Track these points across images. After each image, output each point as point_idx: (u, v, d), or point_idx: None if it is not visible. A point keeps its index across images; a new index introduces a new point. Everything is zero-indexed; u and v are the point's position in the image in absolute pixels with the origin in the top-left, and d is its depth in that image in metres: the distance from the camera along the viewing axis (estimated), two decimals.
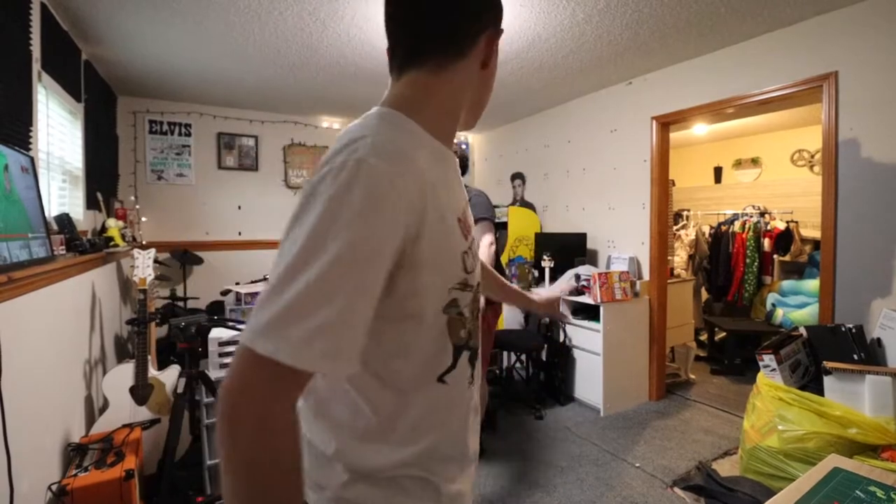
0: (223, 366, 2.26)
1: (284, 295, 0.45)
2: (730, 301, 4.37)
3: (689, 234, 4.50)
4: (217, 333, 2.27)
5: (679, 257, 4.36)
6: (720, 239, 4.40)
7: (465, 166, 2.07)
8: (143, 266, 2.30)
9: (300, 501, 0.49)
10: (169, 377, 2.32)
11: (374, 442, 0.60)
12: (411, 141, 0.59)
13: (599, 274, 3.04)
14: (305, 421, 0.63)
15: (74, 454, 1.79)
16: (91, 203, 2.79)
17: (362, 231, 0.48)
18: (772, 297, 4.06)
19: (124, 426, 1.97)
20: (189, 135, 3.95)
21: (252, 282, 3.28)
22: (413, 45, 0.62)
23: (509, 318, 4.00)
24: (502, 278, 1.16)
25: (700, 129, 4.72)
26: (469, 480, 0.71)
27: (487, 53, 0.64)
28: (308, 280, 0.45)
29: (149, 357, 2.22)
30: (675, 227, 4.53)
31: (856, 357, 2.02)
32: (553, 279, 3.59)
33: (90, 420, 2.20)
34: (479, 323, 0.69)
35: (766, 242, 4.23)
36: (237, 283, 3.24)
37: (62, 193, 2.44)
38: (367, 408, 0.59)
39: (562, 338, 3.34)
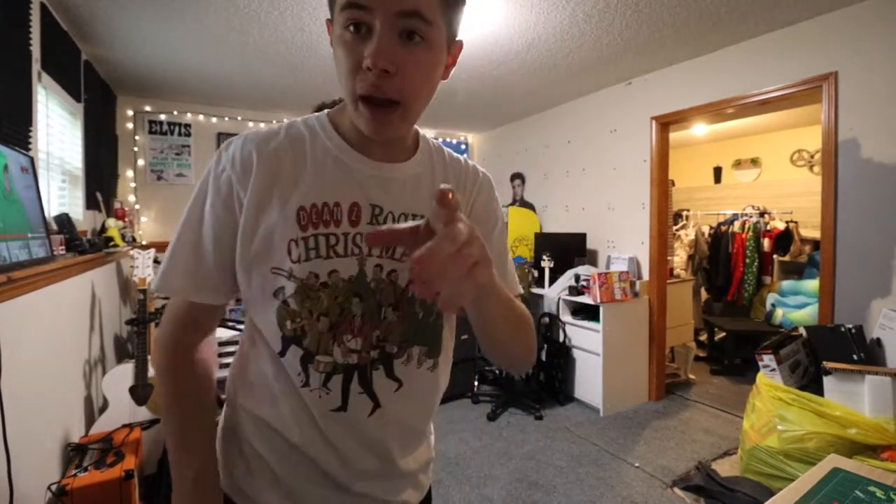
0: (223, 366, 2.26)
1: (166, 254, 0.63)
2: (729, 301, 4.37)
3: (688, 235, 4.50)
4: (216, 334, 2.27)
5: (679, 257, 4.36)
6: (720, 239, 4.40)
7: None
8: (143, 266, 2.30)
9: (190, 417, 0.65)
10: None
11: (238, 389, 0.69)
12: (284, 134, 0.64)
13: (599, 274, 3.04)
14: None
15: (74, 454, 1.78)
16: (91, 203, 2.79)
17: (196, 200, 0.62)
18: (771, 298, 4.06)
19: (124, 426, 1.97)
20: (189, 135, 3.94)
21: None
22: None
23: None
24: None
25: (700, 129, 4.72)
26: None
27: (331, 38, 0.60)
28: (173, 239, 0.63)
29: (148, 357, 2.22)
30: (674, 228, 4.53)
31: (855, 357, 2.02)
32: (553, 279, 3.59)
33: (90, 420, 2.20)
34: (338, 335, 0.60)
35: (766, 242, 4.23)
36: None
37: (62, 193, 2.44)
38: (243, 356, 0.69)
39: (561, 338, 3.34)
